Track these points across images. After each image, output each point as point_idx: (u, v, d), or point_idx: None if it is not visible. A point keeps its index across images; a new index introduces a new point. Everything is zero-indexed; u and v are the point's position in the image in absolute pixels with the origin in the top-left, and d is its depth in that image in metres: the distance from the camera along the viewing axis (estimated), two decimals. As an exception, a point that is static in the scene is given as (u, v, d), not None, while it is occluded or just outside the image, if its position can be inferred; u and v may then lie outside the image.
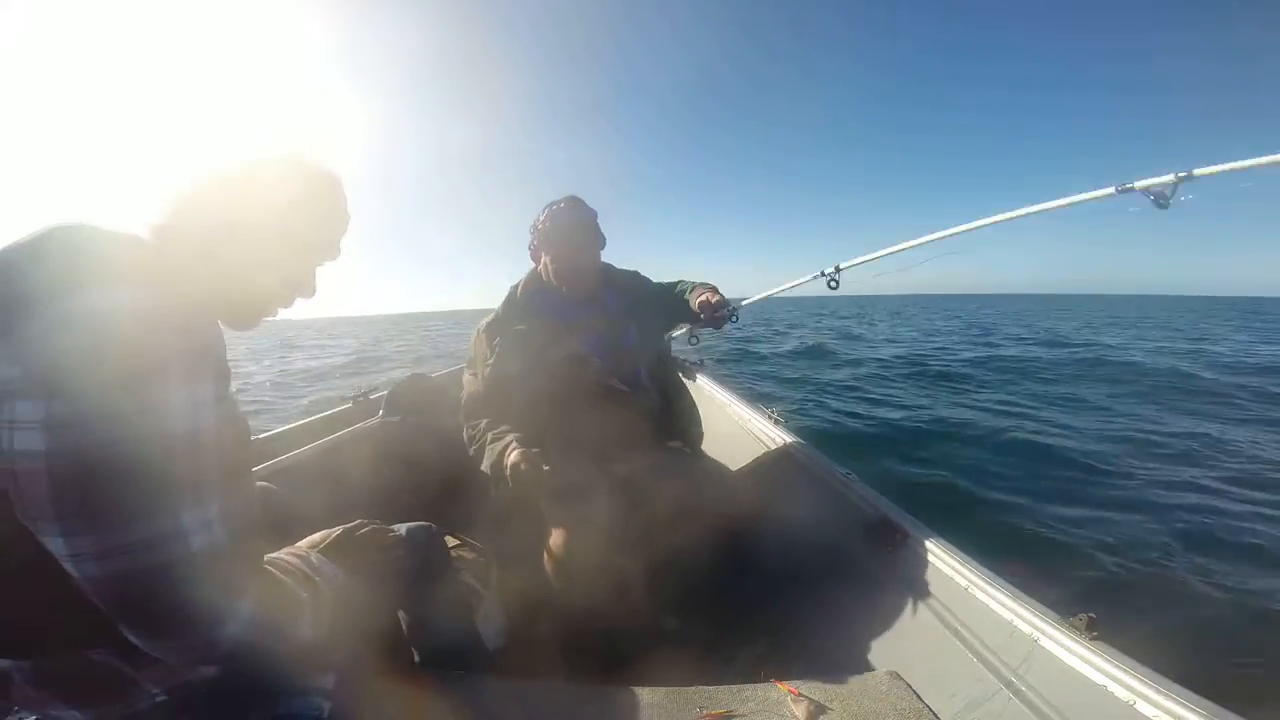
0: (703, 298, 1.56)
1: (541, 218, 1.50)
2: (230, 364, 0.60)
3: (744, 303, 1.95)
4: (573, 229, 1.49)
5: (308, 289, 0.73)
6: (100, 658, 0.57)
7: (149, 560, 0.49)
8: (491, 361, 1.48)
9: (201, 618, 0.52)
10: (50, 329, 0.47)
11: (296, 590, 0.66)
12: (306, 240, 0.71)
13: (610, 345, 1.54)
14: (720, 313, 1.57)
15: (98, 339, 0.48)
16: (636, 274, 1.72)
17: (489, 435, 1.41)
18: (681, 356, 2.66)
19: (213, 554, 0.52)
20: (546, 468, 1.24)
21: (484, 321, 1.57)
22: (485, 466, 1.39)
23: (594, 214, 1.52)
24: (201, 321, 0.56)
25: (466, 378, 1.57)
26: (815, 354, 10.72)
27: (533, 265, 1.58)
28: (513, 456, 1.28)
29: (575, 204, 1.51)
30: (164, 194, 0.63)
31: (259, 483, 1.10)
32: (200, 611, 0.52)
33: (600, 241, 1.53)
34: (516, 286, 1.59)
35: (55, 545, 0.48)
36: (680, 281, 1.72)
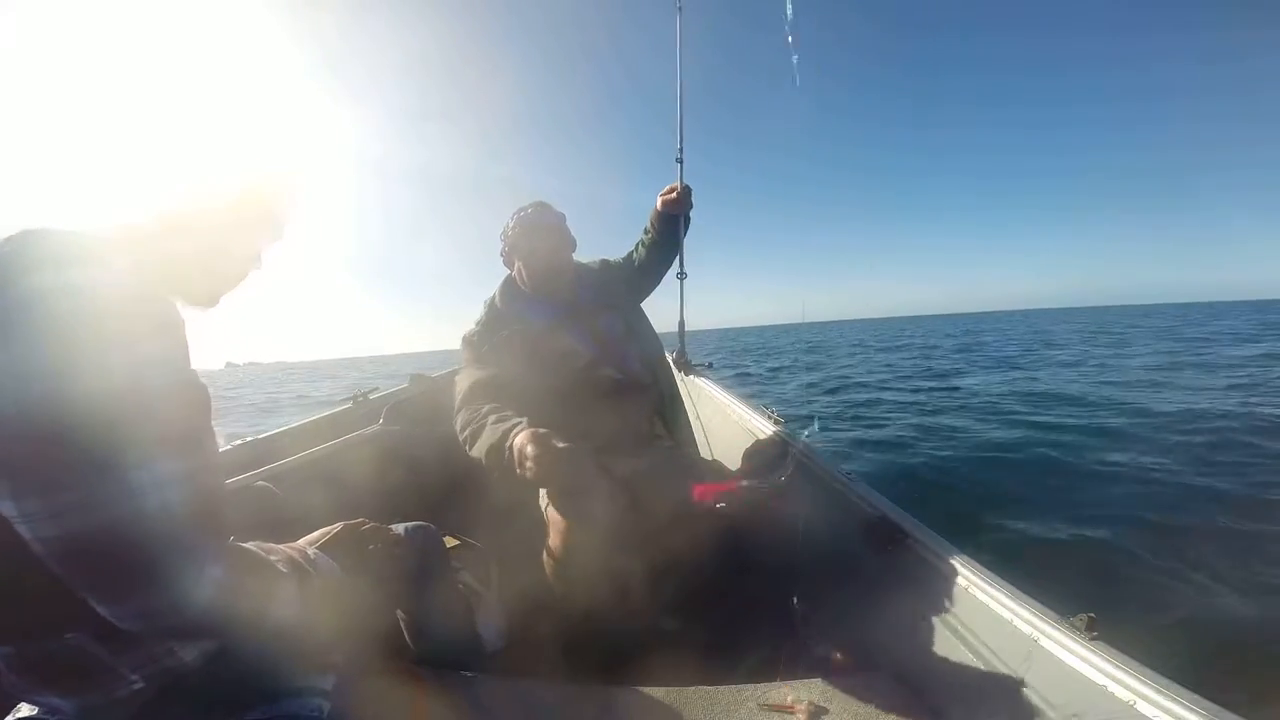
0: (657, 208, 1.68)
1: (511, 224, 1.51)
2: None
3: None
4: (542, 233, 1.50)
5: (258, 265, 0.77)
6: (76, 641, 0.58)
7: (99, 518, 0.50)
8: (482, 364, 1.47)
9: (160, 578, 0.52)
10: (5, 305, 0.50)
11: (278, 569, 0.66)
12: (258, 232, 0.75)
13: (598, 338, 1.55)
14: (677, 197, 1.66)
15: (47, 307, 0.50)
16: (604, 262, 1.75)
17: (491, 416, 1.28)
18: (692, 359, 2.64)
19: (167, 514, 0.52)
20: (561, 445, 1.11)
21: (468, 331, 1.56)
22: (480, 450, 1.24)
23: (562, 216, 1.54)
24: (150, 294, 0.57)
25: (459, 378, 1.53)
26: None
27: (507, 272, 1.59)
28: (520, 437, 1.16)
29: (542, 208, 1.52)
30: (127, 195, 0.66)
31: (260, 483, 1.10)
32: (158, 571, 0.52)
33: (571, 243, 1.55)
34: (494, 296, 1.59)
35: (6, 508, 0.49)
36: (638, 242, 1.77)
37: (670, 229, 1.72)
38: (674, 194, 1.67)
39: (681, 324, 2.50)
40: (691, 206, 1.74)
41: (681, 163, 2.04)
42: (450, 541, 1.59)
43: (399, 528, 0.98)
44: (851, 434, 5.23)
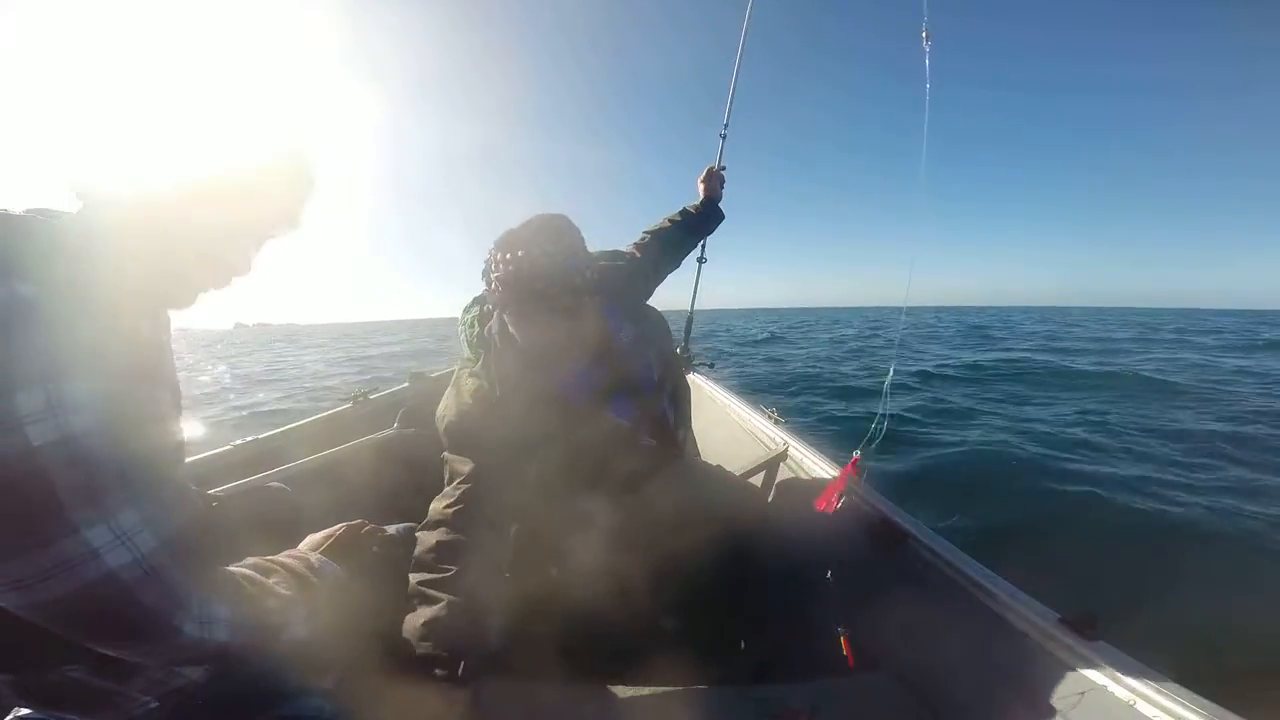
0: (701, 194, 1.59)
1: (495, 272, 0.98)
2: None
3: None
4: (544, 316, 1.00)
5: (245, 271, 0.68)
6: (76, 674, 0.56)
7: (65, 586, 0.45)
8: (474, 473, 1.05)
9: (154, 629, 0.50)
10: None
11: (280, 590, 0.65)
12: (251, 235, 0.66)
13: (638, 399, 1.22)
14: (716, 181, 1.60)
15: None
16: (626, 270, 1.39)
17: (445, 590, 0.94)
18: (693, 357, 2.59)
19: (140, 565, 0.48)
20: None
21: (448, 418, 1.11)
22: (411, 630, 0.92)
23: (581, 258, 1.02)
24: (81, 312, 0.49)
25: (447, 465, 1.11)
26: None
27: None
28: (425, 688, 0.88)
29: (546, 243, 0.97)
30: (109, 183, 0.58)
31: (274, 484, 1.11)
32: (151, 624, 0.49)
33: (600, 301, 1.09)
34: (489, 336, 1.12)
35: None
36: (649, 235, 1.53)
37: (706, 215, 1.61)
38: (709, 176, 1.59)
39: (691, 315, 2.34)
40: (721, 194, 1.64)
41: (724, 138, 1.88)
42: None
43: (392, 529, 0.99)
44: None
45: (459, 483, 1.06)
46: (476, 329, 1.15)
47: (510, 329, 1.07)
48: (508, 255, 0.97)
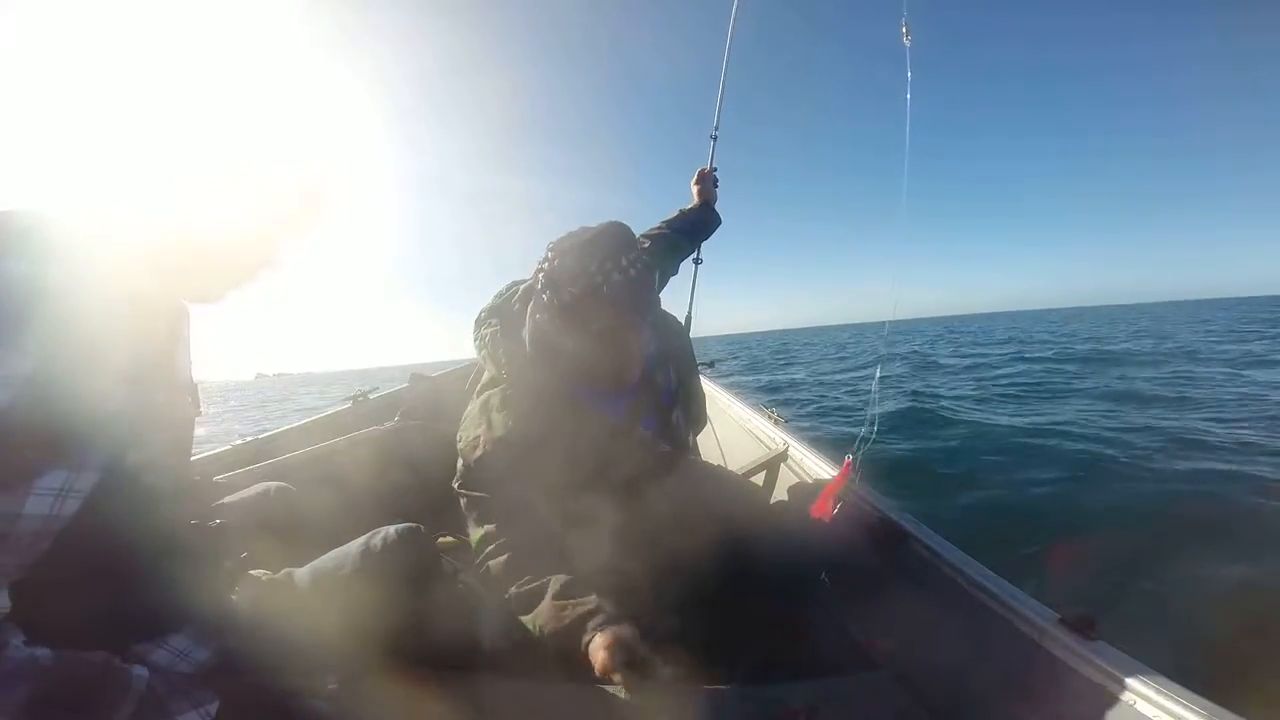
0: (695, 196, 1.57)
1: (566, 290, 0.89)
2: None
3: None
4: (609, 340, 0.94)
5: (272, 267, 0.71)
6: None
7: None
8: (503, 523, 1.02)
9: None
10: None
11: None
12: (273, 233, 0.69)
13: (659, 411, 1.22)
14: (709, 183, 1.58)
15: None
16: (643, 270, 1.48)
17: (553, 585, 0.99)
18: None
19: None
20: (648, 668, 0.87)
21: (483, 451, 1.01)
22: (536, 623, 0.97)
23: (651, 275, 0.97)
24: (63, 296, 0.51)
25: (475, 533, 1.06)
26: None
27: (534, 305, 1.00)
28: (603, 650, 0.89)
29: (618, 268, 0.88)
30: (134, 185, 0.61)
31: (277, 483, 1.11)
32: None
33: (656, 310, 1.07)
34: (519, 371, 1.04)
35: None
36: (647, 239, 1.49)
37: (703, 217, 1.60)
38: (701, 179, 1.58)
39: (689, 316, 2.26)
40: (715, 195, 1.62)
41: (715, 139, 1.89)
42: (452, 541, 1.59)
43: (390, 530, 0.99)
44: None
45: (504, 521, 1.03)
46: (501, 347, 1.05)
47: (568, 346, 0.96)
48: (578, 273, 0.87)
